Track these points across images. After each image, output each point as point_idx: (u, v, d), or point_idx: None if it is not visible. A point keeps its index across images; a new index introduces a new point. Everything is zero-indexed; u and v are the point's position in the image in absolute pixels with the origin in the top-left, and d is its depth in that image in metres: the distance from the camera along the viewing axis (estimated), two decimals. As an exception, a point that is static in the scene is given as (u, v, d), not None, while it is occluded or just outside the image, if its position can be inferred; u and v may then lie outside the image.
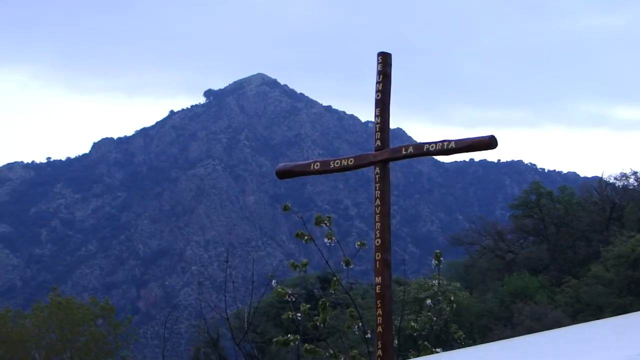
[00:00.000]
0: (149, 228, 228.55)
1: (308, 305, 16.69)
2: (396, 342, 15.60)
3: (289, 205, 16.71)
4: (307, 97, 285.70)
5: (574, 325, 8.22)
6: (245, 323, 22.46)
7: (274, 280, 17.03)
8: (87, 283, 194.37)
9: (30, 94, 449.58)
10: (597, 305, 60.96)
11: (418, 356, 14.76)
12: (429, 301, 17.76)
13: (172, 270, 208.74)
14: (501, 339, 10.03)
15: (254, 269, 24.22)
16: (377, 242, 13.17)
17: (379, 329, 12.83)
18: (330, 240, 15.72)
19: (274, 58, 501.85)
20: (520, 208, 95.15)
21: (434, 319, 17.34)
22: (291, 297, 16.76)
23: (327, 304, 16.18)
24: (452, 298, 17.85)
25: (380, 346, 12.68)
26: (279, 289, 16.67)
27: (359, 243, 14.63)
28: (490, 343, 8.31)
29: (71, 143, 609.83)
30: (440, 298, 18.61)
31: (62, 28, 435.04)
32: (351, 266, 15.78)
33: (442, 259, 17.95)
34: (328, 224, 15.86)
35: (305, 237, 15.77)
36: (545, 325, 50.65)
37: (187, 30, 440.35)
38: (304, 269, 16.59)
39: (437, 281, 20.30)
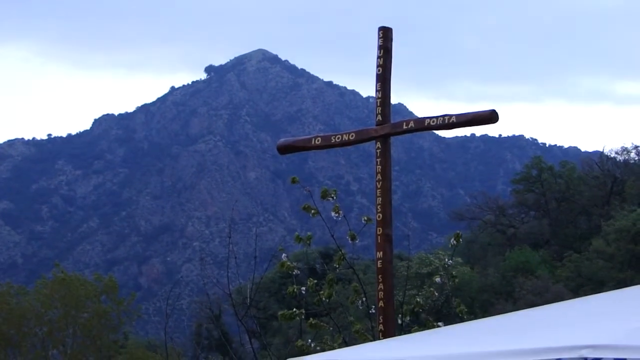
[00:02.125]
0: (150, 204, 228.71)
1: (314, 281, 16.74)
2: (407, 318, 15.66)
3: (297, 178, 16.71)
4: (308, 73, 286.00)
5: (575, 299, 8.26)
6: (248, 299, 22.50)
7: (283, 254, 17.01)
8: (88, 260, 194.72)
9: (32, 70, 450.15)
10: (599, 280, 61.08)
11: (420, 331, 14.81)
12: (437, 279, 17.74)
13: (174, 246, 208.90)
14: (502, 313, 10.10)
15: (256, 245, 24.24)
16: (379, 217, 13.23)
17: (381, 303, 12.89)
18: (337, 214, 15.69)
19: (275, 34, 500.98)
20: (521, 183, 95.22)
21: (436, 294, 17.36)
22: (296, 271, 16.79)
23: (333, 279, 16.24)
24: (453, 273, 17.90)
25: (381, 320, 12.73)
26: (287, 263, 16.67)
27: (365, 218, 14.65)
28: (492, 317, 8.35)
29: (72, 119, 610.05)
30: (442, 273, 18.64)
31: (63, 4, 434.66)
32: (357, 240, 15.78)
33: (460, 239, 17.89)
34: (334, 198, 15.84)
35: (313, 211, 15.72)
36: (547, 299, 50.74)
37: (187, 6, 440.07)
38: (308, 242, 16.61)
39: (449, 259, 20.27)
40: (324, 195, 16.04)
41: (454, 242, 18.69)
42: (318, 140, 14.29)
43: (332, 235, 16.31)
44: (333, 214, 15.77)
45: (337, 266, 16.41)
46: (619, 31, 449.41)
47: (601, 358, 7.84)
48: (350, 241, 15.98)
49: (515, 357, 7.58)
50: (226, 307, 27.25)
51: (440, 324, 15.10)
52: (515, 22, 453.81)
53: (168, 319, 22.57)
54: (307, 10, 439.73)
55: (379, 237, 13.20)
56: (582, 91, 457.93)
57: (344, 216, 16.00)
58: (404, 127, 13.56)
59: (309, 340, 14.63)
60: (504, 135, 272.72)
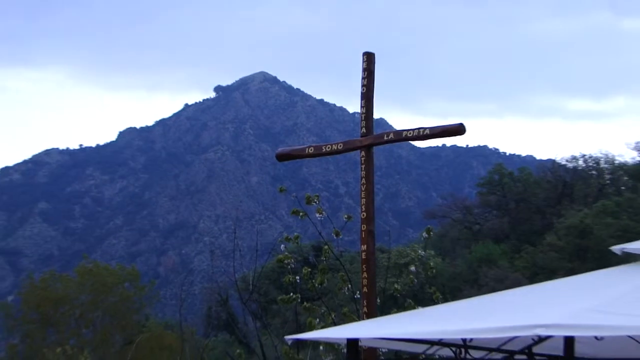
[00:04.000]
0: (167, 204, 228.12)
1: (309, 269, 16.79)
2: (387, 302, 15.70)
3: (284, 187, 16.88)
4: (302, 92, 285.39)
5: (531, 285, 8.27)
6: (250, 285, 22.49)
7: (282, 245, 17.08)
8: (114, 252, 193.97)
9: (66, 90, 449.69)
10: (551, 269, 61.08)
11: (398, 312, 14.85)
12: (412, 267, 17.78)
13: (187, 240, 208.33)
14: (469, 297, 10.18)
15: (258, 240, 24.18)
16: (363, 215, 13.25)
17: (365, 289, 12.92)
18: (320, 215, 15.78)
19: (274, 58, 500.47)
20: (485, 186, 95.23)
21: (415, 281, 17.40)
22: (291, 262, 16.83)
23: (325, 268, 16.29)
24: (431, 264, 17.97)
25: (365, 304, 12.77)
26: (285, 255, 16.73)
27: (346, 216, 14.68)
28: (460, 300, 8.40)
29: (100, 132, 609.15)
30: (417, 263, 18.65)
31: (92, 36, 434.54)
32: (340, 236, 15.83)
33: (431, 233, 17.98)
34: (317, 202, 15.93)
35: (301, 214, 15.84)
36: (507, 285, 50.78)
37: (198, 36, 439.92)
38: (296, 241, 16.67)
39: (422, 251, 20.37)
40: (308, 201, 16.15)
41: (426, 235, 18.77)
42: (311, 150, 14.35)
43: (320, 233, 16.35)
44: (317, 215, 15.87)
45: (325, 259, 16.46)
46: (568, 56, 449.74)
47: (552, 336, 7.90)
48: (335, 237, 16.04)
49: (480, 334, 7.62)
50: (232, 292, 27.16)
51: (419, 307, 15.16)
52: (480, 49, 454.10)
53: (182, 302, 22.50)
54: (302, 37, 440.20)
55: (363, 232, 13.23)
56: (536, 108, 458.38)
57: (327, 216, 16.07)
58: (385, 138, 13.63)
59: (317, 320, 14.66)
60: (471, 145, 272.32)
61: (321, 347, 15.46)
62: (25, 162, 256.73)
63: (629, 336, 8.03)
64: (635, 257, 8.20)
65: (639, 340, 8.41)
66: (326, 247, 16.24)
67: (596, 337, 7.76)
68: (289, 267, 16.88)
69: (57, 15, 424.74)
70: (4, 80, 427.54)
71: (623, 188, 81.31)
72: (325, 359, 15.71)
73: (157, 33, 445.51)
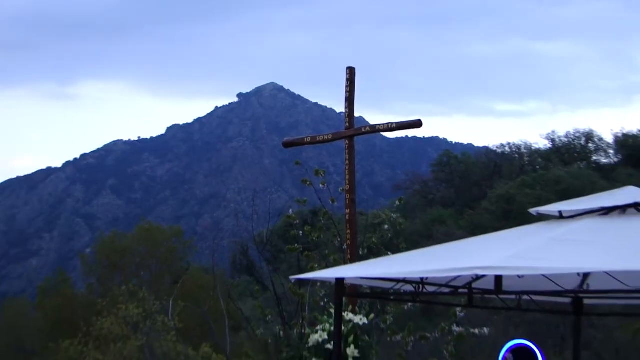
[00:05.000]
0: (202, 180, 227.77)
1: (309, 227, 16.82)
2: (365, 251, 15.70)
3: (300, 161, 17.01)
4: (302, 97, 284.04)
5: (470, 238, 8.31)
6: (265, 239, 22.46)
7: (290, 209, 17.20)
8: (164, 216, 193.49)
9: (127, 97, 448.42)
10: (485, 227, 61.22)
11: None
12: (385, 226, 17.80)
13: (218, 207, 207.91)
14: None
15: (270, 206, 24.09)
16: (347, 187, 13.31)
17: (348, 242, 12.98)
18: (323, 185, 15.90)
19: (282, 72, 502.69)
20: (437, 166, 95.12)
21: (389, 235, 17.41)
22: (296, 221, 16.87)
23: (321, 226, 16.35)
24: (401, 222, 18.04)
25: (349, 253, 12.82)
26: (293, 215, 16.82)
27: (341, 189, 14.71)
28: (418, 249, 8.43)
29: (153, 127, 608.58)
30: (388, 223, 18.58)
31: (147, 56, 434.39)
32: (335, 203, 15.88)
33: (402, 201, 18.13)
34: (323, 175, 16.02)
35: (308, 183, 16.02)
36: (453, 239, 50.80)
37: (226, 55, 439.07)
38: (304, 203, 16.80)
39: (393, 214, 20.33)
40: (317, 173, 16.21)
41: (398, 202, 18.90)
42: (308, 139, 14.47)
43: (320, 199, 16.39)
44: (321, 185, 15.93)
45: (322, 219, 16.49)
46: (495, 71, 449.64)
47: (486, 275, 7.94)
48: (331, 203, 16.08)
49: (433, 274, 7.66)
50: (251, 245, 27.12)
51: (389, 253, 15.18)
52: (433, 64, 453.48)
53: (214, 253, 22.49)
54: (301, 55, 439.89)
55: (347, 200, 13.30)
56: (474, 109, 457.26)
57: (327, 187, 16.13)
58: (363, 130, 13.74)
59: (316, 265, 14.68)
60: (426, 136, 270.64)
61: (318, 284, 15.50)
62: (98, 149, 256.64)
63: (543, 275, 8.07)
64: (546, 217, 8.22)
65: (550, 278, 8.45)
66: (324, 210, 16.32)
67: (518, 276, 7.80)
68: (295, 223, 16.95)
69: (121, 41, 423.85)
70: (81, 89, 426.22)
71: (537, 167, 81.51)
72: (320, 293, 15.74)
73: (195, 54, 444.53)
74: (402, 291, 9.01)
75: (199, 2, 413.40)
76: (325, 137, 14.15)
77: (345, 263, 12.78)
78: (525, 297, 9.26)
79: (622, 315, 15.88)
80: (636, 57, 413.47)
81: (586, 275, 8.70)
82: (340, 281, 8.56)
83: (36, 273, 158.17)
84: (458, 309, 16.86)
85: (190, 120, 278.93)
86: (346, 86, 13.48)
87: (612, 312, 14.94)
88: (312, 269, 13.57)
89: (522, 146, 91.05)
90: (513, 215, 55.73)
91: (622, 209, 7.60)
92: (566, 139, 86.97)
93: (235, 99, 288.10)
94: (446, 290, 9.07)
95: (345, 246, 13.30)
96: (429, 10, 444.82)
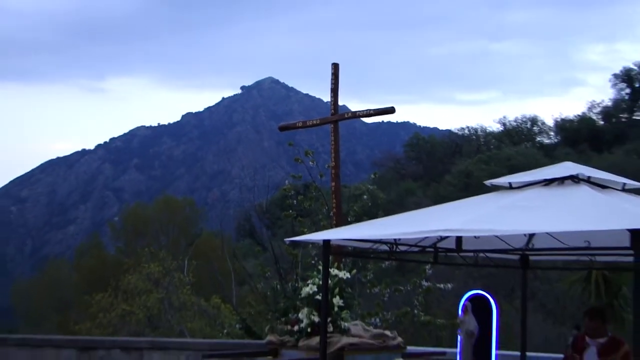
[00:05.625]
0: (212, 159, 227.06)
1: (302, 196, 16.84)
2: (349, 218, 15.71)
3: (292, 142, 17.11)
4: (295, 89, 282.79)
5: (436, 206, 8.32)
6: (264, 208, 22.43)
7: (287, 181, 17.27)
8: (180, 190, 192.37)
9: (149, 90, 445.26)
10: (448, 197, 61.28)
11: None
12: (365, 196, 17.85)
13: (225, 181, 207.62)
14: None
15: (268, 181, 24.03)
16: (333, 164, 13.29)
17: (334, 210, 12.98)
18: (312, 163, 15.98)
19: (278, 67, 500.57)
20: (408, 147, 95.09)
21: (369, 204, 17.45)
22: (291, 192, 16.85)
23: (312, 197, 16.34)
24: (380, 195, 18.15)
25: (335, 219, 12.83)
26: (288, 187, 16.84)
27: (328, 165, 14.71)
28: (392, 215, 8.44)
29: (170, 115, 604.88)
30: (367, 194, 18.59)
31: (164, 55, 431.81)
32: (323, 177, 15.90)
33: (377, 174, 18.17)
34: (312, 154, 16.08)
35: (300, 161, 16.14)
36: (422, 207, 50.84)
37: (231, 53, 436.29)
38: (299, 178, 16.85)
39: (372, 186, 20.41)
40: (307, 153, 16.20)
41: (373, 176, 18.83)
42: (300, 124, 14.41)
43: (310, 174, 16.40)
44: (310, 163, 15.95)
45: (312, 191, 16.49)
46: (458, 66, 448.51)
47: (449, 236, 7.95)
48: (319, 177, 16.09)
49: (405, 235, 7.66)
50: (253, 213, 27.09)
51: (365, 217, 15.20)
52: (406, 60, 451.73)
53: (222, 220, 22.50)
54: (295, 53, 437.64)
55: (333, 174, 13.27)
56: (439, 98, 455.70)
57: (316, 164, 16.14)
58: (345, 116, 13.72)
59: (307, 230, 14.69)
60: (399, 121, 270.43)
61: (309, 245, 15.52)
62: (124, 134, 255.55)
63: (495, 236, 8.09)
64: (498, 188, 8.24)
65: (501, 238, 8.47)
66: (314, 183, 16.34)
67: (475, 237, 7.82)
68: (290, 194, 16.94)
69: (143, 44, 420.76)
70: (110, 84, 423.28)
71: (491, 147, 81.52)
72: (311, 253, 15.77)
73: (205, 54, 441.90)
74: (379, 250, 9.03)
75: (208, 12, 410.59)
76: (314, 122, 14.11)
77: (332, 227, 12.78)
78: (481, 254, 9.31)
79: (561, 269, 15.97)
80: (572, 55, 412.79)
81: (531, 236, 8.74)
82: (327, 242, 8.56)
83: (73, 238, 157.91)
84: (427, 267, 16.98)
85: (201, 109, 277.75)
86: (331, 79, 13.46)
87: (553, 267, 15.01)
88: (303, 233, 13.57)
89: (479, 129, 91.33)
90: (471, 187, 55.81)
91: (561, 181, 7.63)
92: (515, 123, 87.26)
93: (239, 91, 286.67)
94: (416, 249, 9.10)
95: (331, 213, 13.31)
96: (401, 17, 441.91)
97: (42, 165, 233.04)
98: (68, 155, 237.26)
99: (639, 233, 5.73)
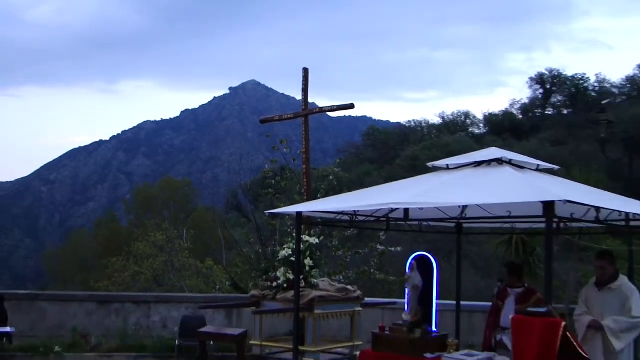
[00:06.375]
0: (205, 147, 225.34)
1: (279, 177, 16.74)
2: (319, 195, 15.64)
3: (269, 134, 16.97)
4: (274, 89, 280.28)
5: (388, 183, 8.30)
6: (248, 187, 22.27)
7: (266, 165, 17.19)
8: (179, 173, 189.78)
9: (150, 91, 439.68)
10: (399, 177, 61.34)
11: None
12: (331, 177, 17.80)
13: (216, 166, 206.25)
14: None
15: (252, 165, 23.82)
16: (304, 150, 13.20)
17: (305, 188, 12.93)
18: (286, 149, 15.89)
19: (260, 71, 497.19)
20: (365, 136, 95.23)
21: (335, 183, 17.41)
22: (270, 174, 16.75)
23: (287, 178, 16.27)
24: (347, 175, 18.12)
25: (305, 195, 12.78)
26: (267, 170, 16.75)
27: (299, 151, 14.65)
28: (355, 191, 8.38)
29: (171, 112, 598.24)
30: (332, 175, 18.52)
31: (166, 62, 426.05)
32: (296, 161, 15.86)
33: (341, 158, 18.07)
34: (286, 143, 15.98)
35: (276, 148, 16.03)
36: (376, 185, 50.82)
37: (221, 59, 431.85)
38: (275, 162, 16.72)
39: (337, 169, 20.36)
40: (282, 141, 16.09)
41: (338, 161, 18.67)
42: (277, 117, 14.29)
43: (285, 159, 16.32)
44: (284, 150, 15.85)
45: (287, 173, 16.43)
46: (405, 70, 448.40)
47: (398, 208, 7.94)
48: (293, 161, 16.01)
49: (362, 208, 7.64)
50: (239, 191, 26.91)
51: (331, 193, 15.17)
52: (362, 66, 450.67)
53: (214, 196, 22.29)
54: (273, 59, 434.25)
55: (304, 159, 13.21)
56: (391, 96, 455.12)
57: (290, 150, 16.04)
58: (314, 111, 13.61)
59: (282, 204, 14.64)
60: (358, 115, 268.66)
61: (286, 217, 15.50)
62: (132, 128, 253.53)
63: (436, 207, 8.09)
64: (438, 169, 8.23)
65: (440, 209, 8.48)
66: (288, 167, 16.27)
67: (420, 208, 7.81)
68: (269, 175, 16.85)
69: (149, 52, 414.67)
70: (122, 86, 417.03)
71: (433, 136, 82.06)
72: (287, 223, 15.75)
73: (200, 60, 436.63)
74: (342, 220, 9.00)
75: (201, 24, 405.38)
76: (289, 116, 14.00)
77: (302, 201, 12.76)
78: (424, 223, 9.33)
79: (488, 234, 16.08)
80: (497, 62, 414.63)
81: (464, 207, 8.77)
82: (299, 214, 8.53)
83: (93, 213, 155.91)
84: (381, 233, 17.00)
85: (197, 106, 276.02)
86: (302, 81, 13.34)
87: (482, 232, 15.12)
88: (280, 207, 13.57)
89: (423, 122, 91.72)
90: (417, 168, 55.94)
91: (488, 162, 7.66)
92: (452, 117, 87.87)
93: (228, 91, 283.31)
94: (372, 219, 9.10)
95: (303, 191, 13.27)
96: (360, 29, 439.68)
97: (67, 153, 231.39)
98: (88, 145, 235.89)
99: (549, 204, 5.77)
